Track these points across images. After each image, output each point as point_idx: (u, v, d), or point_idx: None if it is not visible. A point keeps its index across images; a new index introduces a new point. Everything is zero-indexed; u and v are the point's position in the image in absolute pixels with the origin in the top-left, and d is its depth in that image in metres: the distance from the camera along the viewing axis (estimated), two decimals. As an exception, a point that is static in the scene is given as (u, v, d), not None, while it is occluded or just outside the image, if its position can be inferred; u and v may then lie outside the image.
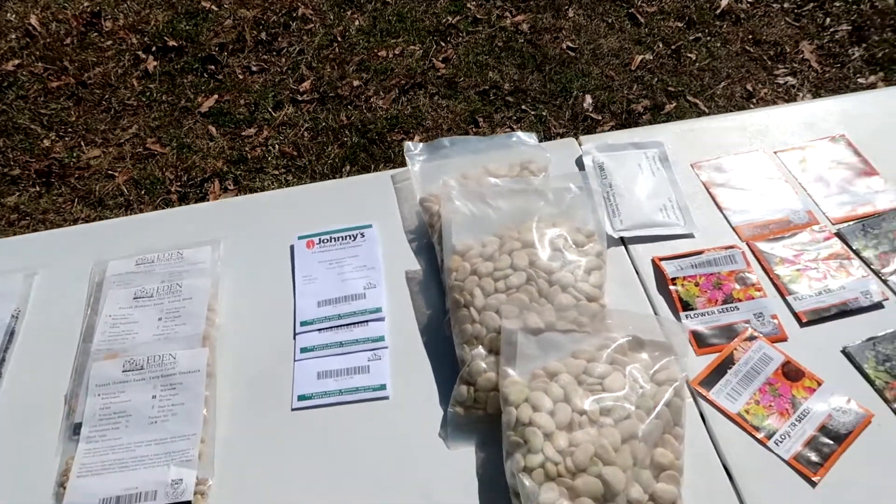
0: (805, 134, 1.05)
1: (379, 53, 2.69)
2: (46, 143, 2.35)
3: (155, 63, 2.62)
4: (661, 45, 2.68)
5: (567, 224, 0.88)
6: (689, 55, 2.62)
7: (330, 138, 2.35)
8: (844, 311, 0.85)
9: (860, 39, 2.60)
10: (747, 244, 0.92)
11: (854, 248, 0.90)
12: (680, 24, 2.77)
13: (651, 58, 2.63)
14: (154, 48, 2.66)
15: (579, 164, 1.02)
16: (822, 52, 2.59)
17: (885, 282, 0.87)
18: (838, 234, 0.92)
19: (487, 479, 0.75)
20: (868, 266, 0.89)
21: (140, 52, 2.64)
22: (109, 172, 2.26)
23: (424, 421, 0.80)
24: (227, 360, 0.85)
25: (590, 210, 0.90)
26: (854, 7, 2.74)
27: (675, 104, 2.41)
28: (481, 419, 0.78)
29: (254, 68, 2.65)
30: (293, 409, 0.81)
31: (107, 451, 0.78)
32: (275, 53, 2.70)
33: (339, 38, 2.76)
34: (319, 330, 0.87)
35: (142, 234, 0.98)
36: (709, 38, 2.70)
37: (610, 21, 2.81)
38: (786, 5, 2.81)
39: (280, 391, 0.83)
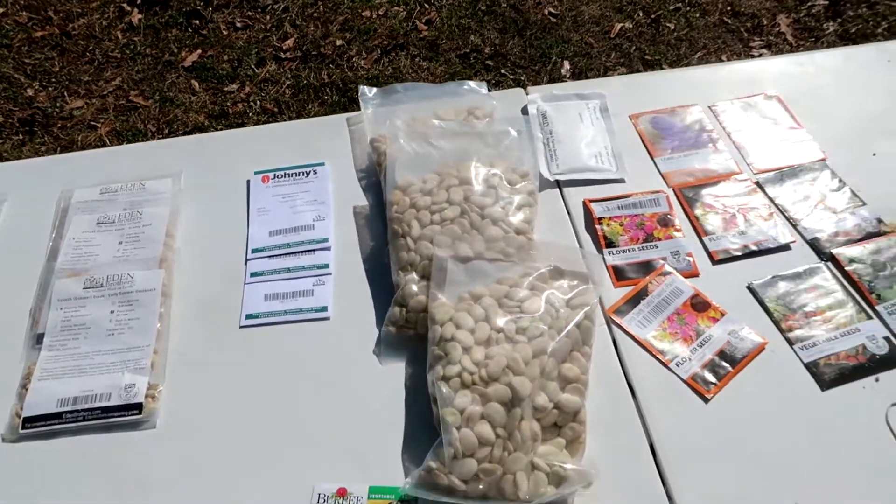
0: (742, 90, 1.11)
1: (363, 14, 2.72)
2: (30, 92, 2.38)
3: (140, 16, 2.64)
4: (640, 14, 2.72)
5: (503, 164, 0.94)
6: (667, 24, 2.66)
7: (311, 96, 2.39)
8: (754, 252, 0.92)
9: (836, 14, 2.64)
10: (673, 190, 0.98)
11: (770, 195, 0.97)
12: (660, -7, 2.80)
13: (630, 26, 2.67)
14: (139, 1, 2.68)
15: (525, 112, 1.08)
16: (798, 26, 2.63)
17: (794, 226, 0.94)
18: (758, 184, 0.99)
19: (413, 390, 0.82)
20: (782, 213, 0.95)
21: (125, 5, 2.66)
22: (92, 123, 2.30)
23: (361, 340, 0.86)
24: (181, 281, 0.92)
25: (526, 153, 0.97)
26: (834, -20, 2.77)
27: (650, 73, 2.45)
28: (411, 338, 0.85)
29: (238, 24, 2.67)
30: (241, 327, 0.88)
31: (66, 358, 0.84)
32: (259, 10, 2.72)
33: (324, -2, 2.78)
34: (269, 257, 0.94)
35: (108, 166, 1.04)
36: (688, 8, 2.73)
37: (593, -12, 2.84)
38: (766, -23, 2.84)
39: (230, 311, 0.90)
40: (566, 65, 2.51)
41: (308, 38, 2.62)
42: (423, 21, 2.71)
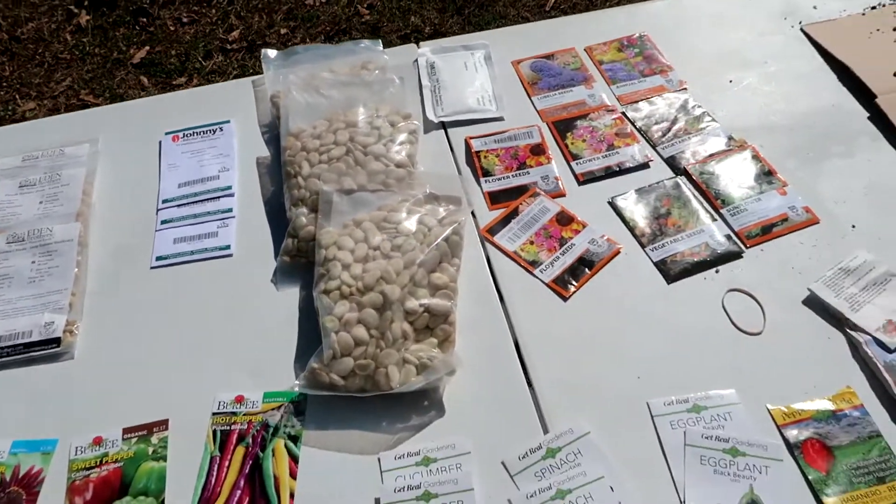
0: (618, 33, 1.20)
1: (306, 2, 2.80)
2: (-18, 96, 2.45)
3: (87, 17, 2.71)
4: (575, -13, 2.80)
5: (387, 108, 1.03)
6: (600, -6, 2.75)
7: (256, 83, 2.47)
8: (616, 172, 1.01)
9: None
10: (547, 124, 1.08)
11: (634, 122, 1.07)
12: (594, -34, 2.90)
13: (564, -1, 2.76)
14: (86, 2, 2.75)
15: (417, 66, 1.17)
16: None
17: (654, 147, 1.04)
18: (624, 114, 1.08)
19: (306, 311, 0.91)
20: (644, 136, 1.05)
21: (72, 7, 2.73)
22: (44, 121, 2.36)
23: (260, 272, 0.96)
24: (97, 232, 1.01)
25: (409, 97, 1.06)
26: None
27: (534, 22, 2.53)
28: (304, 266, 0.94)
29: (185, 20, 2.75)
30: (152, 268, 0.97)
31: (-8, 305, 0.93)
32: (205, 4, 2.80)
33: (268, -11, 2.86)
34: (178, 205, 1.02)
35: (33, 137, 1.12)
36: (620, -23, 2.82)
37: (528, -35, 2.92)
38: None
39: (142, 255, 0.98)
40: (502, 39, 2.59)
41: (253, 29, 2.70)
42: (365, 6, 2.79)
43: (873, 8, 1.20)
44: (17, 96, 2.47)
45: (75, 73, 2.54)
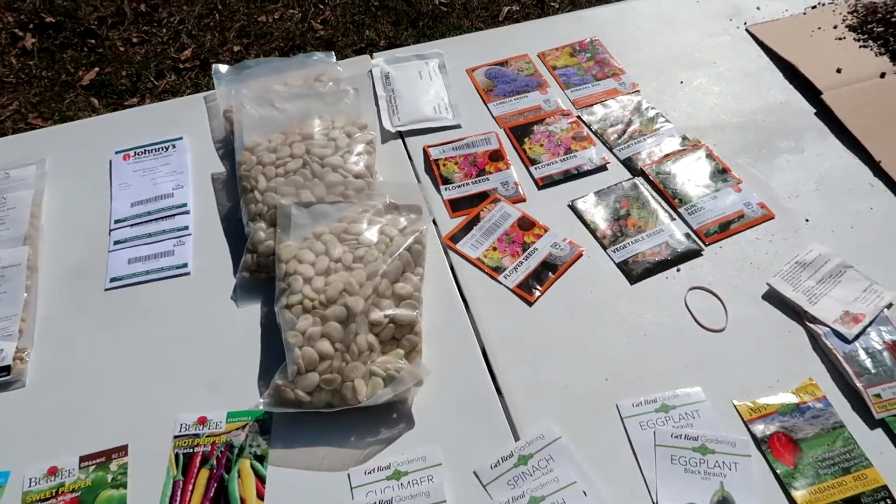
0: (570, 39, 1.22)
1: (259, 19, 2.78)
2: (-76, 122, 2.37)
3: (33, 40, 2.65)
4: (527, -3, 2.84)
5: (343, 119, 1.02)
6: (552, 4, 2.79)
7: (210, 101, 2.43)
8: (574, 175, 1.02)
9: None
10: (504, 130, 1.08)
11: (590, 126, 1.08)
12: (545, -23, 2.93)
13: (517, 9, 2.79)
14: (31, 25, 2.68)
15: (371, 76, 1.16)
16: None
17: (611, 150, 1.05)
18: (579, 117, 1.09)
19: (268, 327, 0.89)
20: (599, 137, 1.06)
21: (17, 30, 2.66)
22: (-10, 146, 2.29)
23: (219, 288, 0.93)
24: (47, 255, 0.97)
25: (364, 108, 1.05)
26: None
27: (486, 30, 2.56)
28: (264, 281, 0.92)
29: (135, 40, 2.70)
30: (106, 290, 0.94)
31: (-64, 335, 0.89)
32: (155, 24, 2.75)
33: (220, 6, 2.83)
34: (132, 225, 1.00)
35: (-26, 161, 1.08)
36: (571, -13, 2.87)
37: (480, -24, 2.95)
38: (642, -46, 3.00)
39: (95, 277, 0.95)
40: (458, 50, 2.61)
41: (206, 47, 2.66)
42: (319, 21, 2.78)
43: (813, 7, 1.24)
44: (-40, 121, 2.39)
45: (22, 96, 2.48)
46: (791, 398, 0.79)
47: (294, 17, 2.78)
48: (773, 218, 0.96)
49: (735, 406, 0.79)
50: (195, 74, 2.59)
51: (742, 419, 0.78)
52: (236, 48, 2.65)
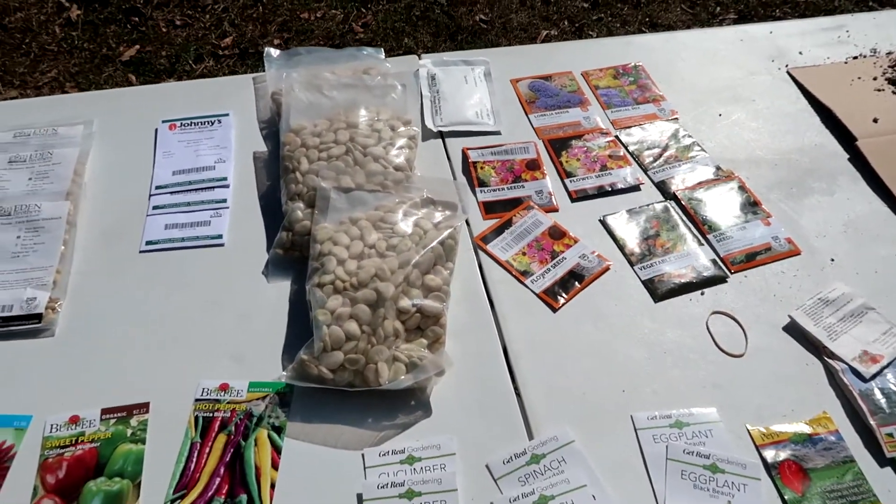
0: (613, 61, 1.24)
1: (301, 15, 2.82)
2: (-36, 80, 2.41)
3: (79, 12, 2.69)
4: (566, 23, 2.88)
5: (388, 112, 1.05)
6: (590, 33, 2.82)
7: (245, 89, 2.47)
8: (608, 192, 1.04)
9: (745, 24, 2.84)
10: (543, 141, 1.10)
11: (627, 146, 1.10)
12: (585, 5, 2.98)
13: (556, 33, 2.83)
14: (78, -3, 2.73)
15: (417, 76, 1.19)
16: (708, 36, 2.82)
17: (645, 171, 1.07)
18: (617, 137, 1.11)
19: (296, 304, 0.91)
20: (635, 158, 1.08)
21: (64, 1, 2.71)
22: (26, 109, 2.33)
23: (251, 263, 0.95)
24: (87, 213, 1.00)
25: (410, 104, 1.07)
26: (742, -2, 2.99)
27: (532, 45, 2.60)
28: (297, 260, 0.94)
29: (177, 22, 2.75)
30: (140, 252, 0.96)
31: (-28, 277, 0.91)
32: (199, 9, 2.80)
33: (264, 0, 2.88)
34: (171, 192, 1.02)
35: (26, 115, 1.10)
36: (610, 18, 2.91)
37: (522, -2, 2.99)
38: (683, -7, 3.05)
39: (131, 239, 0.97)
40: (492, 66, 2.64)
41: (247, 37, 2.71)
42: (360, 24, 2.83)
43: (855, 58, 1.26)
44: (-1, 83, 2.43)
45: (62, 65, 2.52)
46: (804, 428, 0.80)
47: (336, 17, 2.82)
48: (799, 254, 0.98)
49: (748, 430, 0.80)
50: (233, 62, 2.63)
51: (754, 443, 0.79)
52: (276, 41, 2.69)
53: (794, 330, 0.90)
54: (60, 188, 1.00)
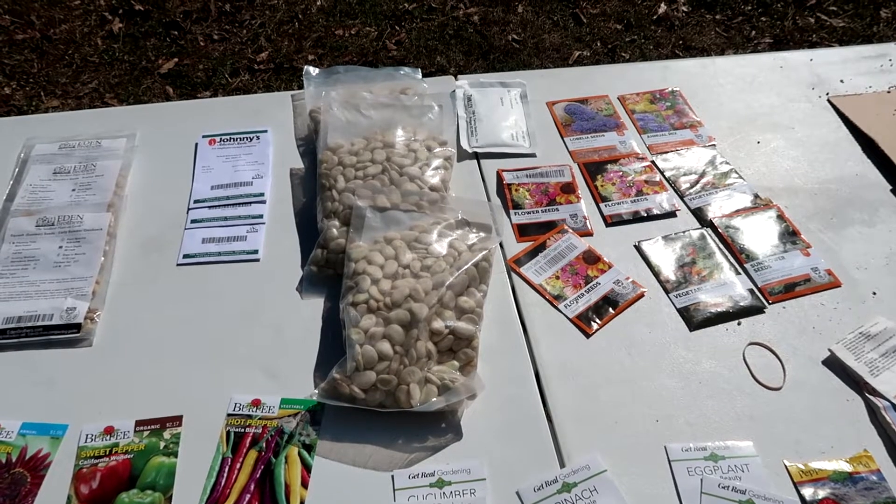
0: (650, 86, 1.24)
1: (336, 32, 2.86)
2: (7, 90, 2.48)
3: (120, 25, 2.76)
4: (598, 44, 2.88)
5: (425, 133, 1.05)
6: (622, 55, 2.82)
7: (279, 103, 2.50)
8: (643, 217, 1.03)
9: (785, 51, 2.82)
10: (578, 165, 1.10)
11: (663, 172, 1.09)
12: (619, 27, 2.98)
13: (588, 54, 2.83)
14: (121, 10, 2.80)
15: (454, 96, 1.20)
16: (743, 60, 2.80)
17: (682, 198, 1.06)
18: (654, 162, 1.10)
19: (329, 322, 0.91)
20: (671, 184, 1.07)
21: (107, 14, 2.78)
22: (67, 119, 2.38)
23: (286, 279, 0.96)
24: (127, 225, 1.01)
25: (447, 125, 1.08)
26: (777, 23, 2.97)
27: (569, 68, 2.59)
28: (331, 278, 0.95)
29: (215, 37, 2.80)
30: (178, 265, 0.97)
31: (15, 285, 0.93)
32: (237, 25, 2.85)
33: (300, 16, 2.93)
34: (210, 207, 1.03)
35: (71, 126, 1.13)
36: (643, 40, 2.91)
37: (555, 19, 3.01)
38: (717, 16, 3.03)
39: (169, 251, 0.99)
40: (524, 86, 2.65)
41: (282, 52, 2.75)
42: (394, 41, 2.86)
43: (898, 87, 1.24)
44: (42, 93, 2.49)
45: (102, 76, 2.58)
46: (845, 466, 0.78)
47: (370, 34, 2.86)
48: (839, 286, 0.96)
49: (786, 466, 0.79)
50: (268, 77, 2.67)
51: (792, 480, 0.78)
52: (311, 57, 2.73)
53: (834, 364, 0.88)
54: (102, 200, 1.02)
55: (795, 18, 2.97)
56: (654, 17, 2.99)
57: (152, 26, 2.76)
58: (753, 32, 2.94)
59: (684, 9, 3.03)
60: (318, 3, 2.96)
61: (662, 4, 2.99)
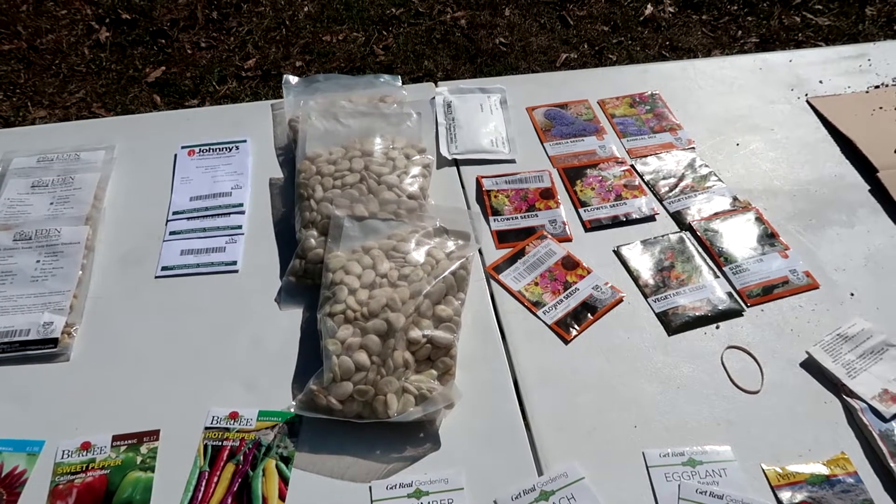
0: (630, 90, 1.24)
1: (323, 38, 2.86)
2: (-6, 100, 2.47)
3: (107, 34, 2.76)
4: (585, 46, 2.88)
5: (403, 141, 1.05)
6: (609, 56, 2.83)
7: (267, 110, 2.50)
8: (622, 222, 1.03)
9: (764, 50, 2.83)
10: (558, 170, 1.10)
11: (643, 176, 1.09)
12: (605, 28, 2.98)
13: (575, 56, 2.83)
14: (108, 20, 2.80)
15: (434, 103, 1.20)
16: (729, 60, 2.80)
17: (661, 202, 1.06)
18: (633, 166, 1.11)
19: (308, 333, 0.91)
20: (651, 188, 1.07)
21: (94, 23, 2.78)
22: (53, 129, 2.38)
23: (264, 290, 0.96)
24: (105, 237, 1.01)
25: (426, 133, 1.08)
26: (764, 22, 2.98)
27: (549, 73, 2.59)
28: (310, 288, 0.94)
29: (202, 44, 2.80)
30: (156, 277, 0.97)
31: (-8, 300, 0.92)
32: (224, 32, 2.85)
33: (288, 22, 2.92)
34: (188, 218, 1.03)
35: (50, 139, 1.13)
36: (630, 42, 2.91)
37: (542, 21, 3.01)
38: (704, 17, 3.04)
39: (147, 264, 0.98)
40: (512, 89, 2.65)
41: (269, 59, 2.75)
42: (381, 46, 2.86)
43: (877, 87, 1.24)
44: (28, 103, 2.49)
45: (89, 86, 2.57)
46: (822, 469, 0.79)
47: (358, 40, 2.86)
48: (817, 288, 0.96)
49: (763, 470, 0.79)
50: (255, 84, 2.67)
51: (769, 484, 0.78)
52: (298, 63, 2.73)
53: (811, 366, 0.88)
54: (80, 213, 1.02)
55: (781, 18, 2.98)
56: (641, 18, 3.00)
57: (139, 35, 2.76)
58: (740, 32, 2.95)
59: (671, 10, 3.03)
60: (306, 9, 2.96)
61: (649, 6, 3.00)
